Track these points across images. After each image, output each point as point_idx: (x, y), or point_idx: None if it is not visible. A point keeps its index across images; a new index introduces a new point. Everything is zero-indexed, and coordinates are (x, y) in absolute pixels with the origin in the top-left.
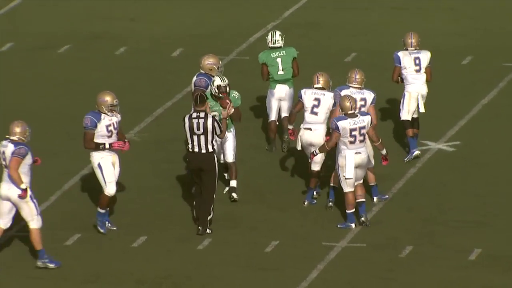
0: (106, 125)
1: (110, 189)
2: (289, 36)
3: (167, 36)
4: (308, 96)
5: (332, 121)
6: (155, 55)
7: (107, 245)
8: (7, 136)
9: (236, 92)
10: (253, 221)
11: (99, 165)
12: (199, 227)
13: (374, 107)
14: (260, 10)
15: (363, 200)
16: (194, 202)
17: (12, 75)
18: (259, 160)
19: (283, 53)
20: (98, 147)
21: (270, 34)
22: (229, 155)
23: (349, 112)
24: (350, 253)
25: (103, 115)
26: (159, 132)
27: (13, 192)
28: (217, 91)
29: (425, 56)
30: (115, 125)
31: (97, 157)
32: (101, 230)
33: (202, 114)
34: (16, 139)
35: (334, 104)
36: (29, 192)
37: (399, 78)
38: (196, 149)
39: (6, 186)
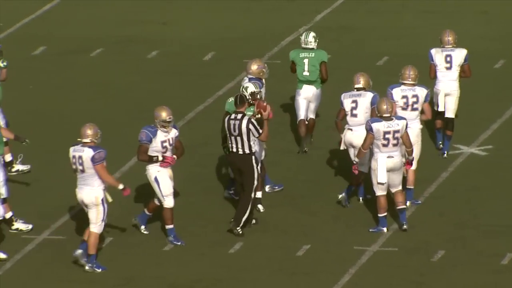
0: (161, 140)
1: (168, 202)
2: (320, 40)
3: (199, 40)
4: (346, 100)
5: (367, 123)
6: (186, 58)
7: (139, 249)
8: (79, 140)
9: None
10: (284, 225)
11: (155, 179)
12: (231, 220)
13: (429, 104)
14: (292, 14)
15: (404, 207)
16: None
17: (44, 79)
18: (291, 164)
19: (311, 54)
20: (152, 159)
21: (304, 34)
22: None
23: (385, 115)
24: (382, 258)
25: (159, 131)
26: (191, 136)
27: (85, 195)
28: (250, 97)
29: (459, 54)
30: (171, 141)
31: (153, 171)
32: (178, 243)
33: (239, 116)
34: (89, 141)
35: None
36: (101, 195)
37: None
38: (234, 150)
39: (79, 190)
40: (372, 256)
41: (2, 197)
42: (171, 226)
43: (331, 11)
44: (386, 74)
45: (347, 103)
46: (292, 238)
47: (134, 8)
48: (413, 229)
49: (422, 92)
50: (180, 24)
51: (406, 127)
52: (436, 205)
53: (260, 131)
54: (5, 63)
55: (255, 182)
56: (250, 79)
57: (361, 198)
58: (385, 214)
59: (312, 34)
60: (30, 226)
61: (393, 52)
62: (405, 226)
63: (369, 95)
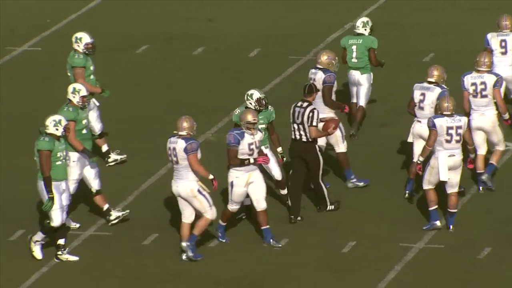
0: (248, 143)
1: (231, 206)
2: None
3: (245, 36)
4: (416, 91)
5: (429, 120)
6: (232, 55)
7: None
8: (175, 132)
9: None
10: (330, 222)
11: (231, 184)
12: (291, 216)
13: (498, 90)
14: (338, 10)
15: (455, 211)
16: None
17: None
18: (337, 160)
19: (359, 41)
20: (243, 162)
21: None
22: (275, 173)
23: (445, 112)
24: (428, 254)
25: (246, 133)
26: None
27: (181, 188)
28: (256, 104)
29: None
30: (257, 144)
31: (232, 175)
32: (223, 240)
33: (304, 104)
34: (185, 134)
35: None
36: (196, 187)
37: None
38: (298, 137)
39: (174, 183)
40: (418, 253)
41: (94, 190)
42: (223, 224)
43: (377, 7)
44: None
45: (417, 95)
46: (337, 235)
47: (179, 5)
48: (460, 226)
49: (490, 78)
50: (226, 20)
51: (468, 124)
52: (483, 202)
53: (315, 123)
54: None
55: (320, 168)
56: (320, 70)
57: (407, 192)
58: (436, 207)
59: (361, 19)
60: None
61: (439, 49)
62: (451, 229)
63: (436, 91)
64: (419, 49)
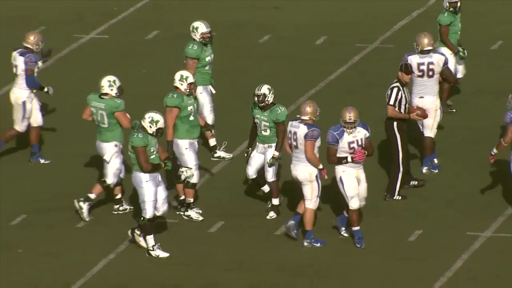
0: (348, 141)
1: (353, 203)
2: (435, 24)
3: (311, 24)
4: None
5: (505, 115)
6: (298, 43)
7: (250, 232)
8: (298, 116)
9: (281, 107)
10: (396, 210)
11: (340, 179)
12: (385, 193)
13: None
14: None
15: None
16: None
17: (157, 63)
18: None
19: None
20: (341, 161)
21: None
22: (268, 174)
23: None
24: (495, 243)
25: (345, 132)
26: None
27: (299, 171)
28: (256, 99)
29: None
30: (360, 142)
31: (339, 171)
32: (358, 246)
33: (394, 84)
34: (307, 119)
35: None
36: (315, 173)
37: None
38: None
39: (293, 167)
40: (485, 242)
41: (192, 182)
42: (356, 228)
43: None
44: (500, 59)
45: None
46: (404, 223)
47: None
48: None
49: None
50: (292, 8)
51: None
52: None
53: (391, 102)
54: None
55: (399, 147)
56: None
57: None
58: None
59: None
60: (200, 218)
61: (507, 36)
62: None
63: None
64: (487, 37)
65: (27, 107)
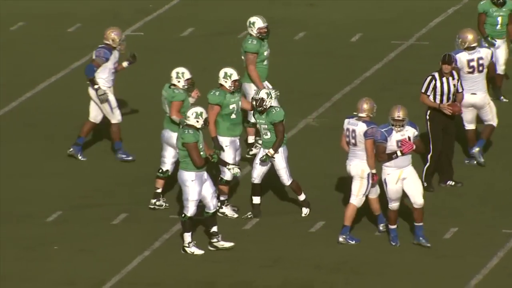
0: (397, 140)
1: (392, 205)
2: (469, 20)
3: (346, 21)
4: None
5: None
6: (334, 40)
7: (285, 230)
8: (354, 113)
9: (277, 108)
10: (432, 208)
11: (384, 181)
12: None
13: None
14: None
15: None
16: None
17: (192, 60)
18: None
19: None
20: (391, 157)
21: None
22: (282, 179)
23: None
24: None
25: (394, 130)
26: (337, 117)
27: (353, 166)
28: (255, 104)
29: None
30: (409, 140)
31: (384, 172)
32: (393, 243)
33: (436, 75)
34: (365, 116)
35: None
36: (368, 170)
37: None
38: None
39: (348, 162)
40: None
41: (226, 179)
42: (393, 227)
43: None
44: None
45: None
46: (439, 221)
47: None
48: None
49: None
50: (327, 5)
51: None
52: None
53: (423, 90)
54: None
55: (430, 141)
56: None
57: None
58: None
59: None
60: (235, 215)
61: None
62: None
63: None
64: None
65: (110, 98)
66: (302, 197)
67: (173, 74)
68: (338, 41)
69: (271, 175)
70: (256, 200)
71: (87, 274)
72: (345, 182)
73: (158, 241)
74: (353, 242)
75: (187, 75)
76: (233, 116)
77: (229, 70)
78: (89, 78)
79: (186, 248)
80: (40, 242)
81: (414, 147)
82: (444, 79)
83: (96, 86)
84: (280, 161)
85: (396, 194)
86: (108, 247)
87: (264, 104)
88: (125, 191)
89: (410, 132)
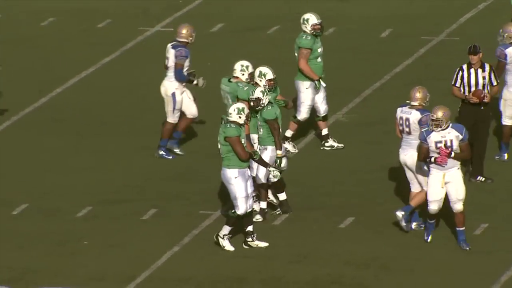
0: (435, 141)
1: (431, 206)
2: (501, 16)
3: (376, 16)
4: None
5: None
6: (363, 35)
7: (315, 225)
8: (407, 102)
9: (269, 106)
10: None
11: (428, 181)
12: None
13: None
14: None
15: None
16: None
17: (222, 56)
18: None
19: None
20: (425, 160)
21: None
22: (259, 177)
23: None
24: None
25: (433, 131)
26: (367, 113)
27: (408, 156)
28: (252, 104)
29: None
30: (449, 143)
31: (428, 173)
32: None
33: (464, 67)
34: (417, 104)
35: None
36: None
37: None
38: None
39: (402, 152)
40: None
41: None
42: (431, 221)
43: None
44: None
45: None
46: (469, 217)
47: None
48: None
49: None
50: (357, 0)
51: None
52: None
53: (452, 82)
54: None
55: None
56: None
57: None
58: None
59: None
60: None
61: None
62: None
63: None
64: None
65: (177, 99)
66: (263, 204)
67: (237, 66)
68: (368, 37)
69: (298, 171)
70: (282, 196)
71: (117, 269)
72: (374, 178)
73: (187, 237)
74: (423, 227)
75: (251, 68)
76: None
77: (264, 69)
78: (185, 81)
79: (220, 239)
80: (70, 237)
81: (452, 155)
82: (472, 70)
83: (194, 82)
84: (266, 158)
85: (435, 195)
86: (138, 242)
87: (261, 103)
88: (155, 186)
89: (452, 135)
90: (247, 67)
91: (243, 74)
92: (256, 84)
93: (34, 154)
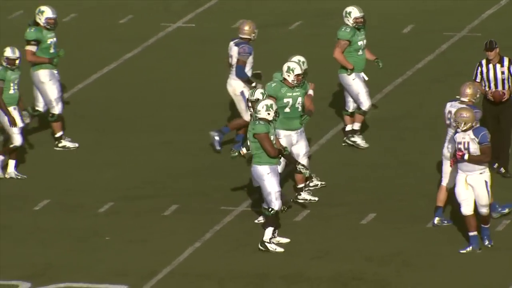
0: (458, 141)
1: (461, 209)
2: None
3: (398, 12)
4: None
5: None
6: (385, 31)
7: (336, 221)
8: (457, 97)
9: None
10: None
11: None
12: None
13: None
14: None
15: None
16: None
17: None
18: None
19: None
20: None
21: None
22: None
23: None
24: None
25: (456, 132)
26: (389, 109)
27: (445, 150)
28: (249, 104)
29: None
30: (466, 145)
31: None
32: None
33: (483, 62)
34: (467, 100)
35: None
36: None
37: None
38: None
39: (446, 145)
40: None
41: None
42: (472, 233)
43: None
44: None
45: None
46: None
47: None
48: None
49: None
50: None
51: None
52: None
53: (473, 77)
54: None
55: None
56: None
57: None
58: None
59: None
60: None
61: None
62: None
63: None
64: None
65: (247, 96)
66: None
67: (284, 68)
68: (390, 33)
69: (319, 167)
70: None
71: (138, 265)
72: (395, 174)
73: (209, 233)
74: (446, 223)
75: (298, 70)
76: (287, 110)
77: (292, 64)
78: (245, 79)
79: (267, 244)
80: (92, 233)
81: (466, 157)
82: (491, 65)
83: (253, 84)
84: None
85: (461, 196)
86: (160, 238)
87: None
88: (176, 182)
89: (469, 137)
90: (303, 62)
91: (289, 76)
92: (285, 80)
93: (56, 150)
